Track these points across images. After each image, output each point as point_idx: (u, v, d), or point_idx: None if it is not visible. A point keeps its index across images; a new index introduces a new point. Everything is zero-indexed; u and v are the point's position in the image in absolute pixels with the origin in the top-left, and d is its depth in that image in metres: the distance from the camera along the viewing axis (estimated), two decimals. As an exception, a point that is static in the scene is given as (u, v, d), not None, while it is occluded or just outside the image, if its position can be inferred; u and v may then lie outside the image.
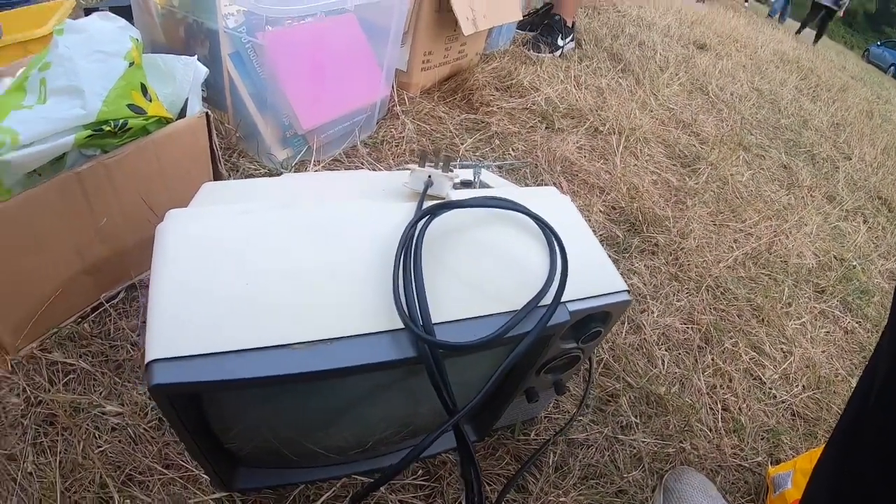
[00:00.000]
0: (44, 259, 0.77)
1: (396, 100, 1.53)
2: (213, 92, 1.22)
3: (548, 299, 0.54)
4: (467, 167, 0.83)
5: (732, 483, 0.88)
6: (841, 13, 8.66)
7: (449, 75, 1.75)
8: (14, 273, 0.75)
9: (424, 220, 0.56)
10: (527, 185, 1.28)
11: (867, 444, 0.47)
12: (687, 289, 1.18)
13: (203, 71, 0.96)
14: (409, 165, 0.63)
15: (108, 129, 0.74)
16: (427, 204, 0.59)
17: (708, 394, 0.98)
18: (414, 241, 0.54)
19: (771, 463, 0.91)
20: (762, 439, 0.95)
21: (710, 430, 0.93)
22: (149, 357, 0.44)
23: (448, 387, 0.49)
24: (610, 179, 1.44)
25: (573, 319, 0.57)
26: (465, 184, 0.76)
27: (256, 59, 1.20)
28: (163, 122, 0.83)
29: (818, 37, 7.90)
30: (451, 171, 0.63)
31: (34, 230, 0.74)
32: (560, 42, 2.08)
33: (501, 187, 0.76)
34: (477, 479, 0.55)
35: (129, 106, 0.78)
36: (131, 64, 0.80)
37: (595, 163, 1.49)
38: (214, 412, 0.54)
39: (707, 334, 1.09)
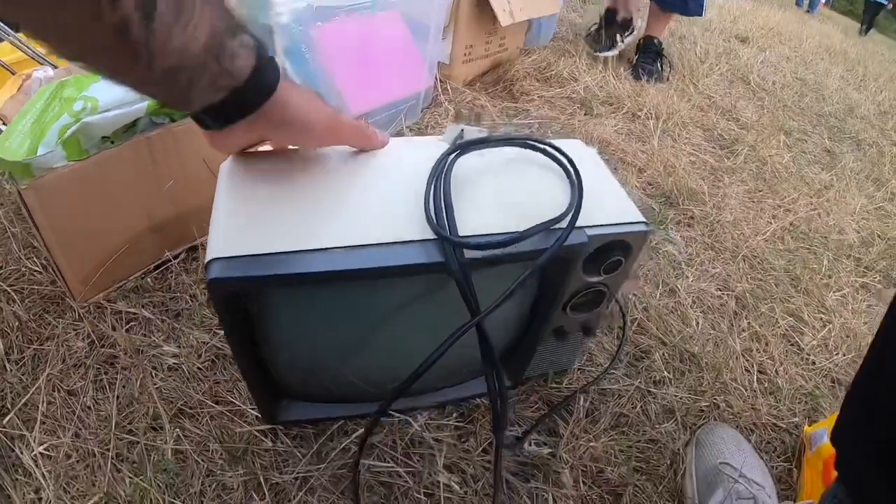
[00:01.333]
0: (115, 215, 0.84)
1: (440, 90, 1.59)
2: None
3: (567, 223, 0.59)
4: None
5: (767, 442, 0.89)
6: (889, 5, 8.43)
7: (490, 68, 1.81)
8: (87, 227, 0.83)
9: (455, 153, 0.64)
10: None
11: None
12: (723, 258, 1.21)
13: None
14: (446, 123, 0.69)
15: (177, 98, 0.81)
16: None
17: (743, 355, 1.00)
18: (445, 168, 0.61)
19: (808, 424, 0.92)
20: (799, 402, 0.96)
21: (745, 389, 0.94)
22: (209, 256, 0.51)
23: (472, 288, 0.55)
24: (647, 159, 1.47)
25: (592, 244, 0.61)
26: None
27: (308, 51, 1.27)
28: (224, 96, 0.90)
29: (868, 28, 7.67)
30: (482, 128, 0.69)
31: (107, 188, 0.81)
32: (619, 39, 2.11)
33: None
34: (503, 398, 0.60)
35: (196, 79, 0.84)
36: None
37: (633, 144, 1.53)
38: (261, 329, 0.61)
39: (743, 300, 1.11)
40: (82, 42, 0.37)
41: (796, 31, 3.44)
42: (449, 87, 1.65)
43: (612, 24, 2.07)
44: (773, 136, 1.78)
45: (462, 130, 0.69)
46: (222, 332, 0.88)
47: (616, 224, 0.62)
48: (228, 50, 0.44)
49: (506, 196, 0.62)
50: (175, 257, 0.98)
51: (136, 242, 0.90)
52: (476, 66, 1.75)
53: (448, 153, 0.63)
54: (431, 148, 0.66)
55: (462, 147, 0.65)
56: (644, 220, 0.64)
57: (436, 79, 1.56)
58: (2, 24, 1.09)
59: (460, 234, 0.55)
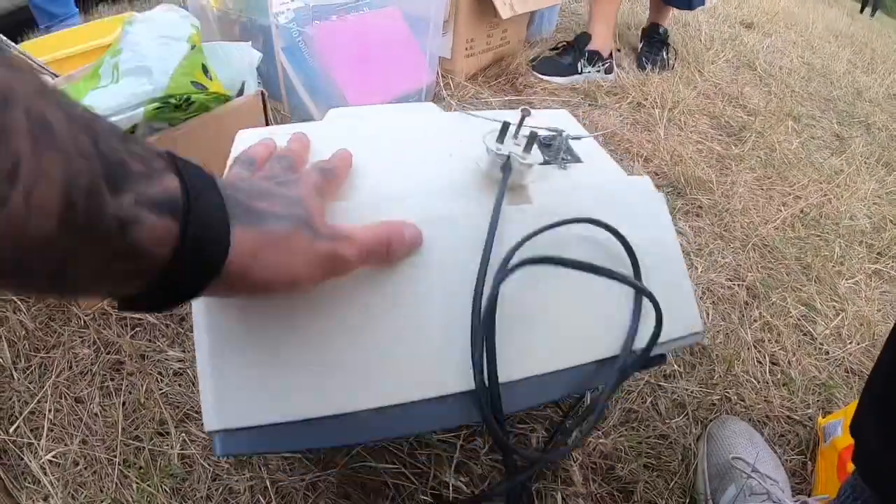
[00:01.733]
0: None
1: (442, 85, 1.58)
2: (268, 84, 1.29)
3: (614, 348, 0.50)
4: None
5: (781, 435, 0.88)
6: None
7: (493, 62, 1.80)
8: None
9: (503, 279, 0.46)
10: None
11: None
12: (732, 247, 1.19)
13: (257, 55, 1.02)
14: (487, 140, 0.52)
15: (175, 102, 0.81)
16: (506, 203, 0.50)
17: (755, 346, 0.99)
18: (489, 307, 0.45)
19: (822, 416, 0.91)
20: (813, 393, 0.94)
21: (758, 381, 0.93)
22: (208, 425, 0.42)
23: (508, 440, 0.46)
24: (653, 148, 1.46)
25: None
26: (545, 145, 0.62)
27: (307, 50, 1.27)
28: (222, 99, 0.90)
29: (874, 10, 7.54)
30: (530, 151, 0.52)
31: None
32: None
33: (590, 158, 0.64)
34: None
35: (193, 83, 0.84)
36: (193, 47, 0.87)
37: (638, 134, 1.52)
38: None
39: (754, 290, 1.10)
40: None
41: (802, 15, 3.39)
42: (451, 82, 1.64)
43: (582, 50, 1.80)
44: (780, 122, 1.76)
45: (509, 158, 0.51)
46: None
47: (673, 340, 0.53)
48: (113, 217, 0.27)
49: (560, 311, 0.50)
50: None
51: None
52: (478, 60, 1.74)
53: (500, 280, 0.45)
54: (469, 196, 0.52)
55: (512, 268, 0.46)
56: (702, 328, 0.55)
57: (437, 74, 1.56)
58: (3, 38, 1.09)
59: (503, 378, 0.45)
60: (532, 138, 0.51)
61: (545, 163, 0.60)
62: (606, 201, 0.55)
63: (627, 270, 0.52)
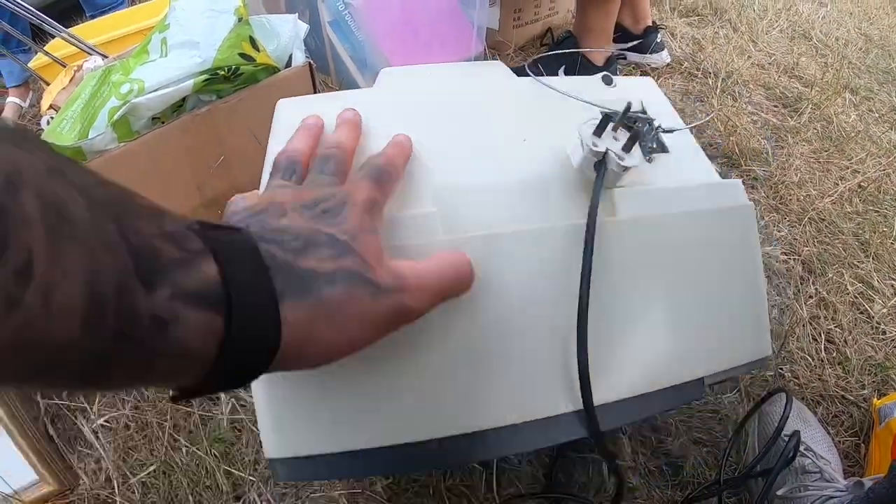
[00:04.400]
0: (167, 193, 0.85)
1: (490, 57, 1.57)
2: (316, 58, 1.29)
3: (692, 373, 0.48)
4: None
5: (835, 415, 0.85)
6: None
7: (542, 32, 1.76)
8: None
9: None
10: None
11: None
12: (788, 220, 1.15)
13: (304, 27, 1.02)
14: (583, 129, 0.45)
15: (223, 73, 0.81)
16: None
17: (810, 323, 0.96)
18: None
19: (877, 397, 0.88)
20: (869, 374, 0.91)
21: (812, 359, 0.91)
22: (267, 454, 0.41)
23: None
24: (705, 118, 1.42)
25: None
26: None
27: (353, 22, 1.26)
28: (270, 70, 0.90)
29: None
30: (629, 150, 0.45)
31: (158, 167, 0.82)
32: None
33: (676, 147, 0.57)
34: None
35: (240, 54, 0.84)
36: (240, 19, 0.87)
37: (690, 104, 1.48)
38: None
39: (809, 265, 1.06)
40: None
41: (861, -16, 3.26)
42: (499, 55, 1.62)
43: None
44: (838, 94, 1.69)
45: (606, 154, 0.44)
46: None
47: (741, 366, 0.50)
48: (147, 317, 0.24)
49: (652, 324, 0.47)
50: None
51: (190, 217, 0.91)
52: (527, 31, 1.71)
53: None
54: (552, 196, 0.47)
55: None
56: (770, 352, 0.52)
57: (485, 46, 1.54)
58: (53, 22, 1.11)
59: (599, 399, 0.42)
60: (635, 138, 0.44)
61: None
62: (693, 224, 0.50)
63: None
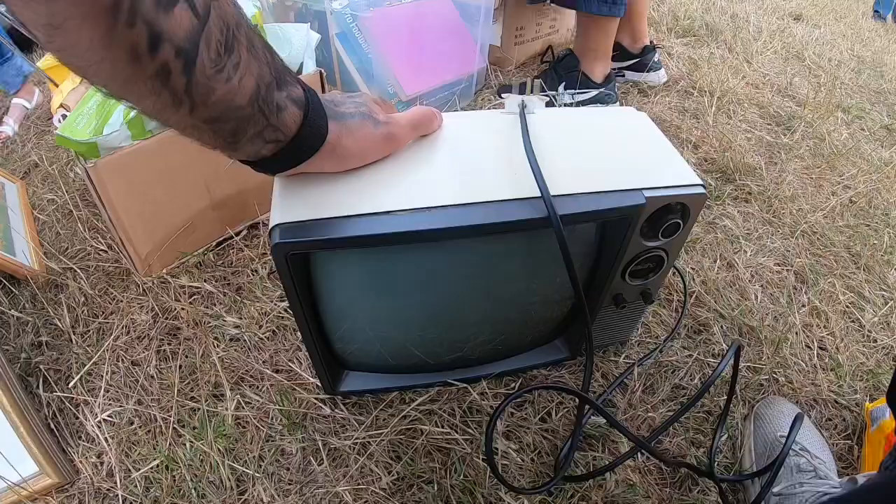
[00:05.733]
0: (177, 193, 0.87)
1: (492, 72, 1.60)
2: (323, 68, 1.31)
3: (627, 185, 0.62)
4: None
5: (828, 419, 0.86)
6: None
7: (542, 49, 1.80)
8: (151, 203, 0.85)
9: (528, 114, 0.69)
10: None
11: None
12: (781, 233, 1.18)
13: (315, 36, 1.04)
14: (505, 94, 0.69)
15: (235, 75, 0.83)
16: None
17: (803, 330, 0.97)
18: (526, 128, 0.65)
19: (869, 401, 0.89)
20: (860, 379, 0.93)
21: (805, 364, 0.92)
22: (272, 222, 0.54)
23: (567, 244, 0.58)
24: (701, 135, 1.44)
25: (650, 206, 0.62)
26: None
27: (361, 36, 1.29)
28: (281, 75, 0.91)
29: None
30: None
31: (170, 167, 0.84)
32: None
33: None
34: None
35: (252, 58, 0.86)
36: (255, 26, 0.89)
37: (687, 121, 1.50)
38: (324, 297, 0.62)
39: (802, 275, 1.09)
40: (125, 85, 0.37)
41: (852, 8, 3.31)
42: (500, 71, 1.66)
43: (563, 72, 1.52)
44: (830, 113, 1.73)
45: (523, 101, 0.70)
46: (283, 303, 0.90)
47: (672, 186, 0.63)
48: (275, 103, 0.46)
49: (575, 157, 0.65)
50: (236, 234, 1.00)
51: (198, 219, 0.92)
52: (528, 48, 1.75)
53: (521, 113, 0.68)
54: (496, 120, 0.70)
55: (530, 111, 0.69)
56: (700, 182, 0.64)
57: (487, 62, 1.57)
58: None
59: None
60: (540, 87, 0.65)
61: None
62: (592, 115, 0.77)
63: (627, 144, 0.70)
